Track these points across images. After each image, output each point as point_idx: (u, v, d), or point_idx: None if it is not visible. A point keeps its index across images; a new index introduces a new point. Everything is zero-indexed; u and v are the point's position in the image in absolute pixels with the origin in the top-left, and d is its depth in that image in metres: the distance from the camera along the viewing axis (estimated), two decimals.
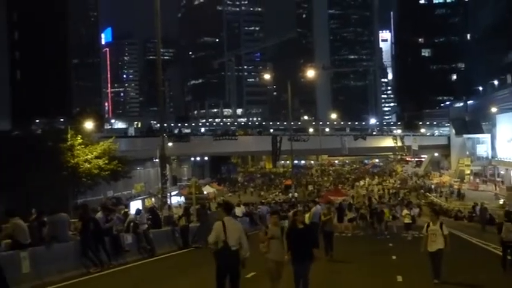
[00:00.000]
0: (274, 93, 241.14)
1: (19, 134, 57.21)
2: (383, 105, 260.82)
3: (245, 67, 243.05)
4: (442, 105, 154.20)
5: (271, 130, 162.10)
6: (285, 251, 12.53)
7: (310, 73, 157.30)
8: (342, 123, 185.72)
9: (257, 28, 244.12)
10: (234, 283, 11.69)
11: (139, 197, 65.58)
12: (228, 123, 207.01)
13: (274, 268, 12.54)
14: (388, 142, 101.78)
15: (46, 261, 16.37)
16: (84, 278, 17.13)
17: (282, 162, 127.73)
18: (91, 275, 17.67)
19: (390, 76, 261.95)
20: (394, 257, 22.37)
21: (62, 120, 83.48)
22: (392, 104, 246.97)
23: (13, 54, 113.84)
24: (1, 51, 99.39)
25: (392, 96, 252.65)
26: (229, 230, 11.58)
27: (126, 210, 24.79)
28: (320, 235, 21.20)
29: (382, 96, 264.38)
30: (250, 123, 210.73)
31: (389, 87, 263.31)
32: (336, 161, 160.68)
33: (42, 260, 16.24)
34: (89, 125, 57.53)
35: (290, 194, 75.69)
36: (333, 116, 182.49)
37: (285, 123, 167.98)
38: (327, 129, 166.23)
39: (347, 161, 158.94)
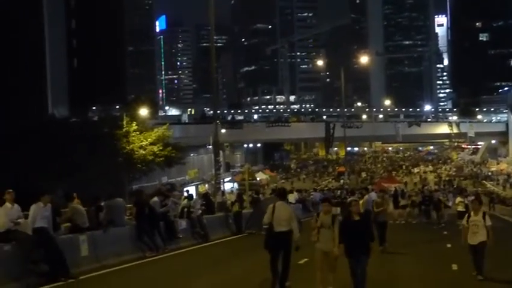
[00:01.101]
0: (327, 80, 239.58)
1: (76, 121, 58.42)
2: (438, 91, 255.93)
3: (298, 53, 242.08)
4: (500, 91, 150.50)
5: (324, 117, 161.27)
6: (336, 241, 11.69)
7: (364, 59, 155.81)
8: (396, 109, 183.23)
9: (310, 14, 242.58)
10: (284, 264, 12.45)
11: (193, 183, 66.30)
12: (281, 110, 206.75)
13: (321, 259, 11.88)
14: (443, 129, 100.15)
15: (103, 245, 16.79)
16: (140, 262, 17.47)
17: (335, 149, 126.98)
18: (147, 259, 18.01)
19: (446, 62, 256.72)
20: (449, 245, 22.00)
21: (117, 107, 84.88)
22: (448, 90, 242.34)
23: (70, 43, 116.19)
24: (59, 40, 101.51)
25: (448, 82, 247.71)
26: (278, 213, 12.38)
27: (186, 196, 25.05)
28: (373, 225, 20.50)
29: (438, 82, 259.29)
30: (303, 109, 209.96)
31: (444, 73, 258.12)
32: (390, 148, 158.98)
33: (100, 243, 16.65)
34: (143, 111, 58.28)
35: (342, 181, 75.32)
36: (387, 102, 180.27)
37: (338, 109, 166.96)
38: (381, 116, 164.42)
39: (401, 148, 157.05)
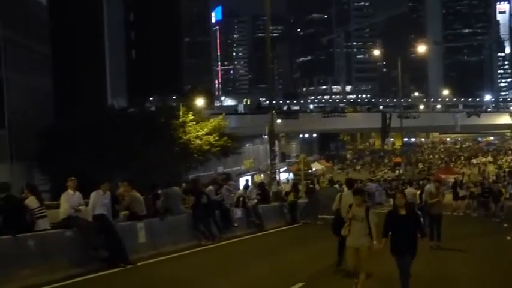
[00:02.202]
0: (384, 70, 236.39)
1: (134, 111, 59.35)
2: (499, 80, 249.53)
3: (354, 43, 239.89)
4: None
5: (381, 107, 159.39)
6: (374, 235, 10.76)
7: (421, 48, 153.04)
8: (455, 99, 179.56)
9: (366, 3, 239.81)
10: None
11: (249, 173, 66.61)
12: (337, 100, 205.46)
13: (353, 256, 10.97)
14: (504, 119, 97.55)
15: (160, 233, 17.14)
16: (196, 250, 17.74)
17: (392, 139, 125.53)
18: (202, 247, 18.26)
19: (508, 50, 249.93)
20: (508, 238, 21.51)
21: (174, 97, 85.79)
22: (509, 80, 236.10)
23: (128, 34, 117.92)
24: (118, 32, 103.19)
25: (509, 71, 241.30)
26: (345, 201, 12.75)
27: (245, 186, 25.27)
28: (426, 218, 19.54)
29: (498, 71, 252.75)
30: (359, 100, 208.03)
31: (506, 62, 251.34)
32: (448, 139, 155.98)
33: (157, 231, 17.01)
34: (199, 102, 58.81)
35: (397, 172, 74.44)
36: (445, 92, 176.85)
37: (395, 99, 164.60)
38: (439, 106, 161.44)
39: (459, 139, 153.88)
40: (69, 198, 13.98)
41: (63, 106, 61.18)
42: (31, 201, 13.41)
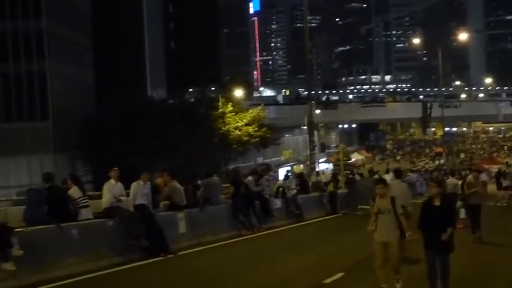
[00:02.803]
0: (424, 59, 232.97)
1: (174, 102, 59.83)
2: None
3: (393, 32, 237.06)
4: None
5: (421, 96, 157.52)
6: (405, 227, 10.23)
7: (463, 36, 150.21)
8: (498, 88, 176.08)
9: None
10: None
11: (288, 164, 66.56)
12: (376, 90, 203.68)
13: (381, 252, 10.16)
14: None
15: (200, 223, 17.27)
16: (236, 240, 17.83)
17: (432, 129, 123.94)
18: (242, 237, 18.35)
19: None
20: None
21: (213, 88, 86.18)
22: None
23: (168, 25, 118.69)
24: (157, 24, 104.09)
25: None
26: (394, 190, 12.34)
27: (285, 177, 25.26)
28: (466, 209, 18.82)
29: None
30: (399, 89, 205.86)
31: None
32: (491, 128, 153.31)
33: (197, 221, 17.15)
34: (238, 93, 58.94)
35: (438, 162, 73.53)
36: (487, 81, 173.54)
37: (436, 89, 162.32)
38: (481, 95, 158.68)
39: (502, 128, 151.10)
40: (112, 188, 14.18)
41: (105, 97, 62.01)
42: (74, 191, 13.64)
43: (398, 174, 16.30)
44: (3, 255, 10.40)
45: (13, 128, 54.05)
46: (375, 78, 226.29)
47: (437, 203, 9.69)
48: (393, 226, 10.13)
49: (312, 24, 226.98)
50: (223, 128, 51.58)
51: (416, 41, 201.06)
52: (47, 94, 56.06)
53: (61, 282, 11.13)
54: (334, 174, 31.17)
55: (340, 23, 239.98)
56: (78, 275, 11.77)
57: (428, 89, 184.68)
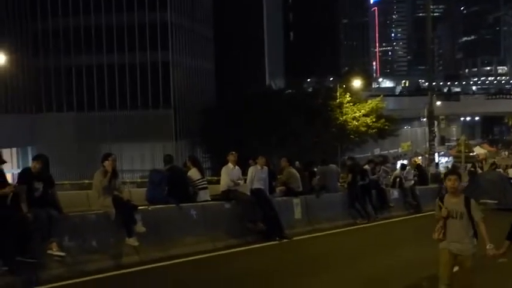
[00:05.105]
0: None
1: (292, 92, 60.24)
2: None
3: None
4: None
5: None
6: (484, 237, 7.49)
7: None
8: None
9: None
10: None
11: (406, 156, 65.26)
12: (503, 82, 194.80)
13: (448, 264, 7.62)
14: None
15: (316, 209, 17.31)
16: (351, 228, 17.71)
17: None
18: (357, 225, 18.21)
19: None
20: None
21: (331, 79, 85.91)
22: None
23: (287, 16, 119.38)
24: (277, 14, 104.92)
25: None
26: None
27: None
28: None
29: None
30: None
31: None
32: None
33: (313, 207, 17.20)
34: (357, 83, 58.45)
35: None
36: None
37: None
38: None
39: None
40: (230, 172, 14.48)
41: (224, 86, 63.40)
42: (193, 173, 14.06)
43: None
44: (127, 231, 10.92)
45: (138, 115, 56.55)
46: (501, 69, 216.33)
47: None
48: (467, 235, 7.54)
49: (435, 14, 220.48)
50: (341, 118, 51.38)
51: None
52: (169, 83, 58.11)
53: (179, 260, 11.50)
54: (454, 166, 30.19)
55: (465, 11, 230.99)
56: (195, 254, 12.08)
57: None
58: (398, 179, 23.01)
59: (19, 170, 11.48)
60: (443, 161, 62.86)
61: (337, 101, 52.18)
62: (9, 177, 10.03)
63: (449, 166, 39.33)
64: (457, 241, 7.52)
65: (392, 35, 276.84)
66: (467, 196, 7.75)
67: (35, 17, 59.64)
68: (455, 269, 7.53)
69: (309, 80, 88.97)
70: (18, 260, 8.97)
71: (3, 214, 9.00)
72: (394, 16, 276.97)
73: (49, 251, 9.53)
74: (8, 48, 41.14)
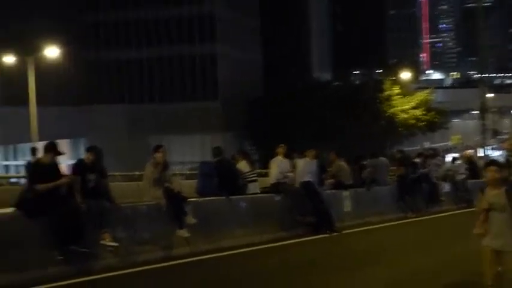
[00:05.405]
0: None
1: (339, 85, 59.93)
2: None
3: None
4: None
5: None
6: None
7: None
8: None
9: None
10: None
11: (455, 149, 64.20)
12: None
13: (492, 261, 7.14)
14: None
15: (366, 202, 17.18)
16: (402, 222, 17.47)
17: None
18: (408, 219, 17.97)
19: None
20: None
21: (379, 71, 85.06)
22: None
23: (334, 7, 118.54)
24: (323, 5, 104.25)
25: None
26: None
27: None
28: None
29: None
30: None
31: None
32: None
33: (362, 201, 17.08)
34: (405, 75, 57.77)
35: None
36: None
37: None
38: None
39: None
40: (279, 164, 14.46)
41: (271, 78, 63.36)
42: (243, 166, 14.08)
43: None
44: (178, 222, 11.00)
45: (186, 107, 57.04)
46: None
47: None
48: (510, 229, 7.04)
49: (486, 4, 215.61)
50: (389, 111, 50.86)
51: None
52: (217, 75, 58.42)
53: (229, 252, 11.55)
54: (509, 160, 29.48)
55: None
56: (244, 246, 12.11)
57: None
58: (449, 172, 22.61)
59: (71, 162, 11.68)
60: (495, 154, 61.56)
61: (386, 93, 51.66)
62: (62, 169, 10.19)
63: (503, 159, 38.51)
64: (499, 236, 7.05)
65: (441, 26, 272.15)
66: (508, 188, 7.14)
67: (86, 10, 60.66)
68: (500, 268, 7.12)
69: (356, 72, 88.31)
70: (72, 249, 9.12)
71: (58, 204, 9.17)
72: (443, 7, 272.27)
73: (102, 242, 9.67)
74: (61, 41, 41.83)
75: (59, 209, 9.13)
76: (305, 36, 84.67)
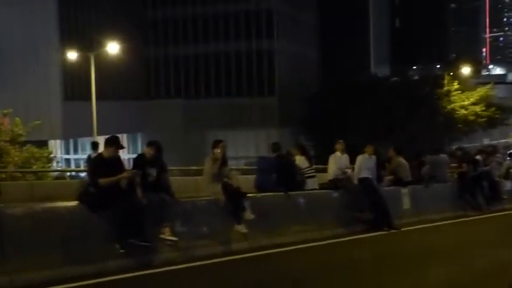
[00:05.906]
0: None
1: (397, 80, 59.13)
2: None
3: None
4: None
5: None
6: None
7: None
8: None
9: None
10: None
11: None
12: None
13: None
14: None
15: (425, 200, 16.93)
16: (461, 220, 17.15)
17: None
18: (467, 217, 17.62)
19: None
20: None
21: (438, 66, 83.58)
22: None
23: (393, 2, 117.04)
24: (382, 1, 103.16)
25: None
26: None
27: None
28: None
29: None
30: None
31: None
32: None
33: (421, 198, 16.82)
34: (465, 70, 56.64)
35: None
36: None
37: None
38: None
39: None
40: (338, 160, 14.40)
41: (328, 73, 63.06)
42: (301, 161, 14.04)
43: None
44: (236, 218, 11.05)
45: (243, 103, 57.37)
46: None
47: None
48: None
49: None
50: (448, 107, 49.98)
51: None
52: (274, 71, 58.47)
53: (287, 248, 11.52)
54: None
55: None
56: (302, 242, 12.06)
57: None
58: (510, 170, 22.06)
59: (130, 156, 11.87)
60: None
61: (445, 89, 50.78)
62: (124, 162, 10.34)
63: None
64: None
65: (505, 19, 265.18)
66: None
67: (146, 7, 61.57)
68: None
69: (414, 67, 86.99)
70: (132, 243, 9.25)
71: (120, 198, 9.32)
72: (506, 0, 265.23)
73: (161, 236, 9.78)
74: (121, 37, 42.59)
75: (121, 203, 9.28)
76: (363, 31, 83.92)
